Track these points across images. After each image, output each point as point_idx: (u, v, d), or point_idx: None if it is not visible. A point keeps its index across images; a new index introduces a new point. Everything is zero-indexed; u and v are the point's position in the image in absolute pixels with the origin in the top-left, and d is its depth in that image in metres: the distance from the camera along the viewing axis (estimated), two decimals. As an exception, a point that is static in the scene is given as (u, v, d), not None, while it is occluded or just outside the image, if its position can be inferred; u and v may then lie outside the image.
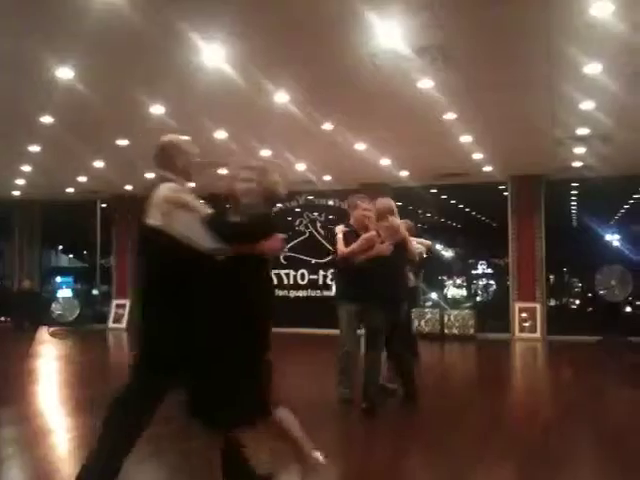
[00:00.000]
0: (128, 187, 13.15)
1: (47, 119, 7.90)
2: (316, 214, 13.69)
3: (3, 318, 15.93)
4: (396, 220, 5.67)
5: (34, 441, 4.86)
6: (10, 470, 4.20)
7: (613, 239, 14.07)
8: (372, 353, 5.53)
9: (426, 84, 6.70)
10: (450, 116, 7.88)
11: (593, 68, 6.26)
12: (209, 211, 3.35)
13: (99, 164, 10.72)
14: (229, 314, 3.19)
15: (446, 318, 12.33)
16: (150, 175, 11.69)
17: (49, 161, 10.34)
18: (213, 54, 5.87)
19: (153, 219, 3.26)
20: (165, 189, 3.31)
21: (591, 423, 5.30)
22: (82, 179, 12.03)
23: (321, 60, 6.13)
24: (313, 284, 13.65)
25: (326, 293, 13.63)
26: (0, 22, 5.24)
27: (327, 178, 12.08)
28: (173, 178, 3.45)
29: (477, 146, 9.43)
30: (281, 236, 3.40)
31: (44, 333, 13.67)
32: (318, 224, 13.62)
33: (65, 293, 16.89)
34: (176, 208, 3.27)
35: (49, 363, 9.83)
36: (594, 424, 5.27)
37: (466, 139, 9.02)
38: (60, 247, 20.57)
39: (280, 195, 3.50)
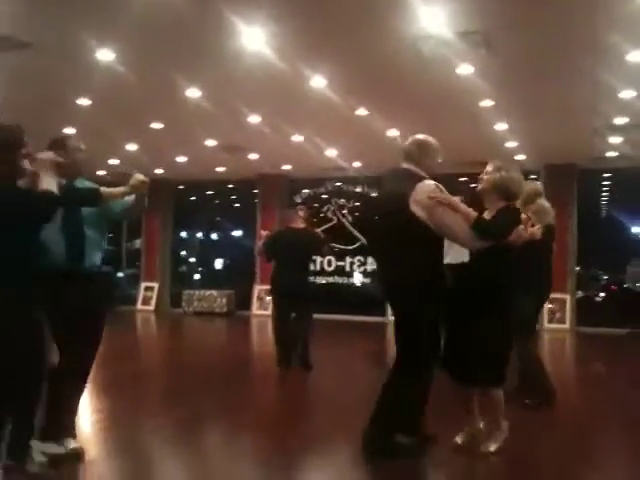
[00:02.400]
0: (158, 171, 13.22)
1: (84, 101, 7.96)
2: (343, 200, 13.68)
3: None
4: (545, 203, 5.42)
5: None
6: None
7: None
8: (525, 346, 5.19)
9: (465, 70, 6.64)
10: (487, 103, 7.81)
11: (636, 56, 6.16)
12: (472, 212, 3.69)
13: (132, 147, 10.78)
14: (489, 298, 3.77)
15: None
16: (181, 159, 11.79)
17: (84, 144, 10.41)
18: (251, 37, 5.84)
19: (416, 210, 3.63)
20: (428, 186, 3.68)
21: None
22: (113, 162, 12.10)
23: (359, 44, 6.09)
24: (340, 271, 13.67)
25: (351, 280, 13.66)
26: (40, 4, 5.25)
27: (357, 164, 12.05)
28: (424, 175, 3.81)
29: (512, 134, 9.35)
30: (521, 227, 3.82)
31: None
32: (345, 211, 13.61)
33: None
34: (439, 205, 3.62)
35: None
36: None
37: (501, 127, 8.94)
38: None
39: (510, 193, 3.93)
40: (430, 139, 4.04)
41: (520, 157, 10.89)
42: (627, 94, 7.36)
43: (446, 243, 3.99)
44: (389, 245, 3.85)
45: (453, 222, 3.63)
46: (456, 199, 3.75)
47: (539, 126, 8.90)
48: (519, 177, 3.97)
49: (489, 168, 3.96)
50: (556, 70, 6.59)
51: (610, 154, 10.51)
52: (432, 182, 3.75)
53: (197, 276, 18.77)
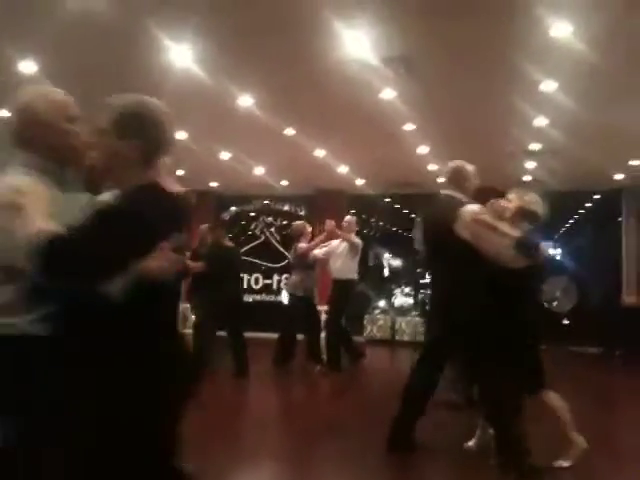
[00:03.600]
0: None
1: (4, 113, 7.73)
2: (271, 219, 13.73)
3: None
4: None
5: None
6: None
7: (557, 253, 14.54)
8: None
9: (388, 94, 6.85)
10: (409, 127, 8.06)
11: (548, 85, 6.51)
12: (513, 234, 3.92)
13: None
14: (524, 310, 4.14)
15: (397, 325, 12.55)
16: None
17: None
18: (179, 54, 5.88)
19: (462, 232, 3.92)
20: (472, 211, 3.97)
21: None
22: None
23: (286, 66, 6.20)
24: (267, 288, 13.67)
25: (278, 298, 13.68)
26: None
27: (285, 183, 12.15)
28: (466, 199, 4.14)
29: (433, 157, 9.65)
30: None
31: None
32: (273, 228, 13.66)
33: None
34: (483, 228, 3.88)
35: None
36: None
37: (423, 150, 9.23)
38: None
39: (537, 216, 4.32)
40: (467, 165, 4.41)
41: (441, 179, 11.22)
42: (540, 121, 7.76)
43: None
44: (441, 266, 4.23)
45: (495, 242, 3.90)
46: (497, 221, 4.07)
47: (458, 149, 9.20)
48: (541, 201, 4.37)
49: (512, 196, 4.34)
50: (473, 96, 6.89)
51: (526, 178, 10.99)
52: (475, 206, 4.08)
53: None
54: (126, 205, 1.91)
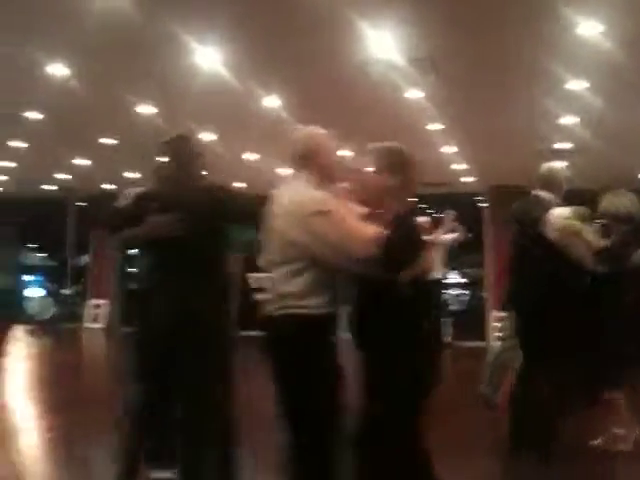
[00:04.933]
0: (107, 186, 13.08)
1: (34, 115, 7.87)
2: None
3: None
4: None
5: (7, 440, 4.88)
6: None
7: None
8: None
9: (414, 94, 6.85)
10: (436, 127, 8.04)
11: (575, 84, 6.45)
12: (598, 241, 4.14)
13: (81, 162, 10.67)
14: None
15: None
16: (131, 175, 11.68)
17: (31, 157, 10.27)
18: (206, 57, 5.93)
19: (550, 234, 4.07)
20: (560, 214, 4.13)
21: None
22: (62, 177, 11.95)
23: (312, 66, 6.23)
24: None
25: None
26: None
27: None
28: (554, 201, 4.30)
29: (459, 157, 9.61)
30: None
31: (19, 331, 13.53)
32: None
33: (37, 292, 16.69)
34: (568, 232, 4.05)
35: (24, 362, 9.75)
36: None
37: (449, 150, 9.19)
38: (31, 245, 20.29)
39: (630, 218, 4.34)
40: (557, 166, 4.67)
41: (467, 179, 11.19)
42: (568, 120, 7.69)
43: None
44: (528, 265, 4.29)
45: (579, 247, 4.06)
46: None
47: (485, 149, 9.19)
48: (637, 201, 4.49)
49: (604, 199, 4.45)
50: (500, 95, 6.86)
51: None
52: (564, 209, 4.24)
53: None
54: (410, 221, 2.73)
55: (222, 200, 3.30)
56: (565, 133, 8.22)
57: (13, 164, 10.99)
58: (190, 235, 3.10)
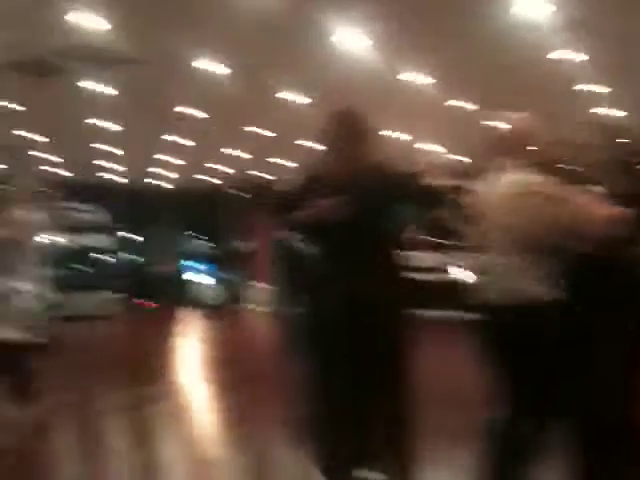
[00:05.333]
0: (267, 176, 13.55)
1: (198, 113, 8.34)
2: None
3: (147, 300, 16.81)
4: None
5: (180, 418, 5.10)
6: (159, 445, 4.50)
7: None
8: None
9: (563, 55, 6.45)
10: (592, 87, 7.53)
11: None
12: None
13: (239, 154, 11.14)
14: None
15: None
16: (286, 163, 12.01)
17: (196, 153, 10.88)
18: (352, 38, 5.94)
19: None
20: None
21: None
22: (224, 169, 12.56)
23: (458, 38, 6.03)
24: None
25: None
26: (143, 22, 5.49)
27: (459, 159, 11.87)
28: None
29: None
30: None
31: (190, 314, 14.41)
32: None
33: (204, 277, 17.70)
34: None
35: (196, 343, 10.32)
36: None
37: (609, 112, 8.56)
38: (197, 234, 21.48)
39: None
40: None
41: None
42: None
43: None
44: None
45: None
46: None
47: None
48: None
49: None
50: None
51: None
52: None
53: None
54: None
55: (394, 180, 3.11)
56: None
57: (180, 161, 11.72)
58: (359, 218, 2.94)
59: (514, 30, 5.80)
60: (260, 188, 13.51)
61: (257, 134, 9.65)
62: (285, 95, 7.71)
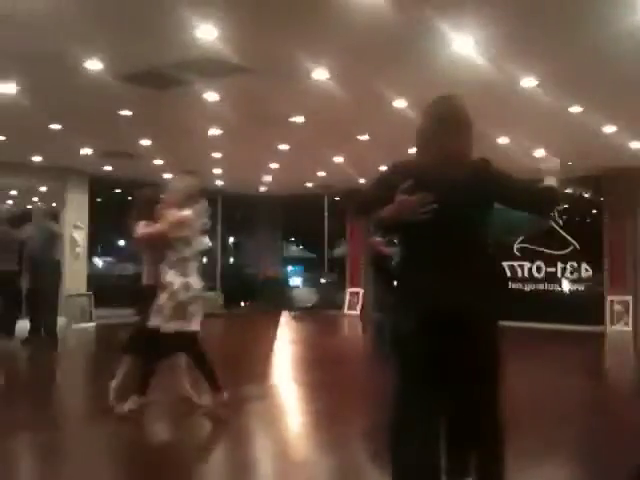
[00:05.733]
0: (361, 180, 13.59)
1: (298, 119, 8.44)
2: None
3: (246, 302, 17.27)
4: None
5: (276, 417, 5.37)
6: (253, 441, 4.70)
7: None
8: None
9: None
10: None
11: None
12: None
13: (338, 159, 11.22)
14: None
15: None
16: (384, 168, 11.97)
17: (293, 158, 11.05)
18: (462, 44, 5.84)
19: None
20: None
21: None
22: (321, 174, 12.67)
23: (569, 40, 5.82)
24: (550, 277, 13.06)
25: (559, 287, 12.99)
26: (257, 26, 5.54)
27: (568, 164, 11.48)
28: None
29: None
30: None
31: (286, 317, 14.76)
32: (555, 213, 12.98)
33: (299, 281, 18.03)
34: None
35: (290, 345, 10.52)
36: None
37: None
38: (292, 238, 21.85)
39: None
40: None
41: None
42: None
43: None
44: None
45: None
46: None
47: None
48: None
49: None
50: None
51: None
52: None
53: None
54: None
55: (492, 179, 2.81)
56: None
57: (277, 165, 11.93)
58: (446, 218, 2.65)
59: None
60: (351, 193, 13.56)
61: (365, 142, 9.69)
62: (399, 104, 7.68)
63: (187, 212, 5.03)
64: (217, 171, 12.81)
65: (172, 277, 4.91)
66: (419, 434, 2.72)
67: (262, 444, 4.71)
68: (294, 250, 22.50)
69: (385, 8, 5.05)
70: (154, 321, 4.88)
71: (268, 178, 13.64)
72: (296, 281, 18.26)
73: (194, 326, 4.99)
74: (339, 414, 5.39)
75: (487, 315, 2.79)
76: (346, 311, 15.27)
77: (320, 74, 6.61)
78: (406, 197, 2.64)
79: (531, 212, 3.08)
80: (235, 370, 7.04)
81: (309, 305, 15.93)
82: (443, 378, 2.77)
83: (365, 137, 9.51)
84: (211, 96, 7.45)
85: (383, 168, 9.94)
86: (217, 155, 11.05)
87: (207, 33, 5.50)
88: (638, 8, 5.09)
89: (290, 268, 19.51)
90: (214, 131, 9.16)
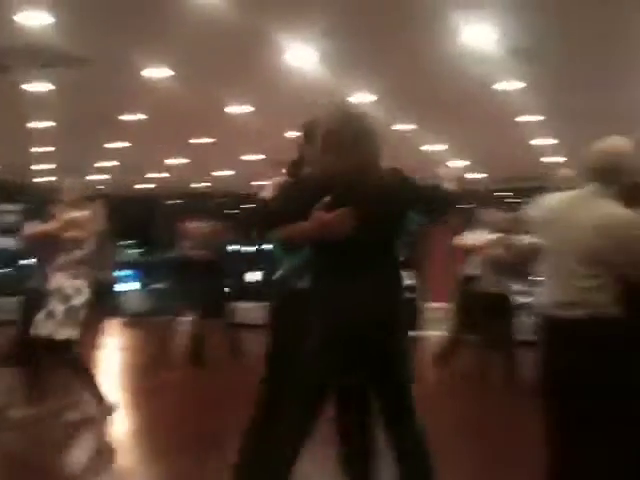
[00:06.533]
0: (198, 185, 13.47)
1: (134, 117, 8.17)
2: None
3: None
4: None
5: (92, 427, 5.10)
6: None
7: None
8: None
9: (511, 86, 6.68)
10: (533, 118, 7.83)
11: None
12: None
13: (176, 161, 11.00)
14: None
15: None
16: (222, 173, 11.92)
17: (130, 158, 10.67)
18: (298, 54, 5.96)
19: None
20: None
21: None
22: (157, 175, 12.38)
23: (405, 61, 6.16)
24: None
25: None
26: (93, 21, 5.33)
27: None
28: None
29: (557, 148, 9.33)
30: None
31: (114, 324, 14.08)
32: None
33: (130, 286, 17.28)
34: None
35: (118, 352, 10.11)
36: None
37: (546, 142, 8.94)
38: (125, 241, 21.03)
39: None
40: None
41: (563, 172, 10.80)
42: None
43: None
44: None
45: None
46: None
47: (583, 141, 8.83)
48: None
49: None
50: (601, 81, 6.57)
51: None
52: None
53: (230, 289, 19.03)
54: None
55: (407, 189, 2.73)
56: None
57: (113, 163, 11.45)
58: (367, 234, 2.56)
59: (460, 59, 5.98)
60: (191, 197, 13.39)
61: (202, 145, 9.59)
62: (233, 108, 7.67)
63: (80, 213, 4.83)
64: (46, 167, 12.05)
65: (63, 280, 4.68)
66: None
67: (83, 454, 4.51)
68: (128, 254, 21.64)
69: (225, 13, 5.01)
70: (43, 328, 4.59)
71: (101, 177, 13.05)
72: (128, 286, 17.50)
73: (75, 333, 4.75)
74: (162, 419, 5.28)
75: (403, 328, 2.79)
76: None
77: (158, 72, 6.44)
78: (325, 214, 2.45)
79: (426, 216, 3.08)
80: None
81: (138, 311, 15.33)
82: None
83: (206, 140, 9.40)
84: (39, 86, 7.00)
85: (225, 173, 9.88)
86: (48, 149, 10.38)
87: (37, 20, 5.16)
88: (463, 36, 5.49)
89: (123, 272, 18.72)
90: (42, 124, 8.61)
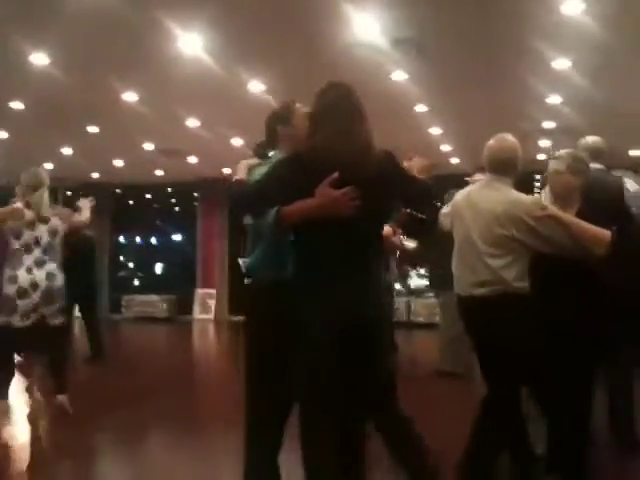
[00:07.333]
0: (94, 175, 13.04)
1: (17, 105, 7.79)
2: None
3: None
4: None
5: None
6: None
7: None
8: None
9: (400, 76, 6.82)
10: (422, 108, 8.03)
11: (561, 63, 6.44)
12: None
13: (67, 151, 10.59)
14: None
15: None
16: (118, 162, 11.59)
17: (16, 147, 10.18)
18: (189, 43, 5.88)
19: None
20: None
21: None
22: (49, 166, 11.84)
23: (296, 50, 6.20)
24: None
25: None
26: None
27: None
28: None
29: (446, 138, 9.61)
30: None
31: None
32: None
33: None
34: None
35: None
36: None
37: (436, 131, 9.19)
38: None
39: None
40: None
41: (455, 160, 11.20)
42: (554, 99, 7.68)
43: None
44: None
45: None
46: None
47: (472, 129, 9.16)
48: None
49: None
50: (486, 75, 6.83)
51: (540, 157, 10.91)
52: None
53: (137, 281, 18.55)
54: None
55: (398, 173, 2.65)
56: (551, 112, 8.21)
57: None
58: (364, 217, 2.45)
59: (355, 50, 6.06)
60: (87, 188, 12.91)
61: (93, 134, 9.27)
62: (129, 97, 7.47)
63: (18, 203, 4.89)
64: None
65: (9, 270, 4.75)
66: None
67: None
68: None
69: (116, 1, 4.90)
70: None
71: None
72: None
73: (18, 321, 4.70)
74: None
75: (386, 321, 3.00)
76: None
77: (40, 59, 6.18)
78: (334, 191, 2.37)
79: (408, 207, 3.10)
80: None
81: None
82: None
83: (95, 129, 9.09)
84: None
85: (117, 162, 9.63)
86: None
87: None
88: (353, 27, 5.57)
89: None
90: None
